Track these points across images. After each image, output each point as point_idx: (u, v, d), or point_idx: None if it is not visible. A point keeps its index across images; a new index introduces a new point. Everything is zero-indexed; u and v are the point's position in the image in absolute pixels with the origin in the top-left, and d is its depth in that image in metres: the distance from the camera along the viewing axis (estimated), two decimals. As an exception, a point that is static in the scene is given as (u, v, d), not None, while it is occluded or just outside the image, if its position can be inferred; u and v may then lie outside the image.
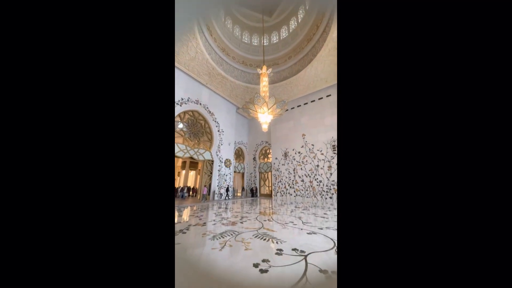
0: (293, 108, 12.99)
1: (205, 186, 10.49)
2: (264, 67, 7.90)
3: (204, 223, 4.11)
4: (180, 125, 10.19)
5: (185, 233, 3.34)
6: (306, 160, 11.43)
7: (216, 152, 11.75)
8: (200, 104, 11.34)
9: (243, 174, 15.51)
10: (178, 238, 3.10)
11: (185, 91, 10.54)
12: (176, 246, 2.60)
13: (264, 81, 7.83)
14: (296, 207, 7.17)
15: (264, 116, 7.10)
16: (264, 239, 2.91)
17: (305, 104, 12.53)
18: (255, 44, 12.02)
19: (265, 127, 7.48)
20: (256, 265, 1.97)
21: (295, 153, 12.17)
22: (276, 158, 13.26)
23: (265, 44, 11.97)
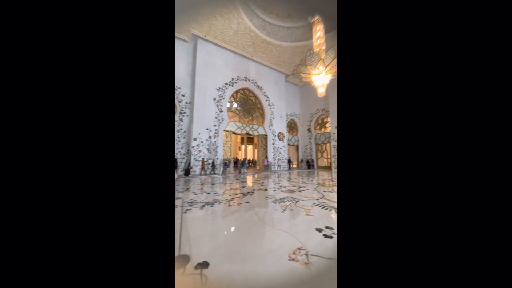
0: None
1: (265, 158, 11.47)
2: (317, 17, 6.14)
3: (266, 189, 4.68)
4: (235, 105, 11.08)
5: (251, 195, 3.91)
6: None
7: (269, 126, 12.04)
8: (249, 80, 11.42)
9: (297, 146, 15.18)
10: (247, 198, 3.70)
11: (234, 70, 10.88)
12: (246, 204, 3.20)
13: (318, 31, 6.23)
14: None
15: (320, 78, 5.97)
16: (326, 209, 2.84)
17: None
18: (303, -17, 9.39)
19: (321, 91, 6.37)
20: (319, 230, 2.00)
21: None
22: (336, 127, 11.52)
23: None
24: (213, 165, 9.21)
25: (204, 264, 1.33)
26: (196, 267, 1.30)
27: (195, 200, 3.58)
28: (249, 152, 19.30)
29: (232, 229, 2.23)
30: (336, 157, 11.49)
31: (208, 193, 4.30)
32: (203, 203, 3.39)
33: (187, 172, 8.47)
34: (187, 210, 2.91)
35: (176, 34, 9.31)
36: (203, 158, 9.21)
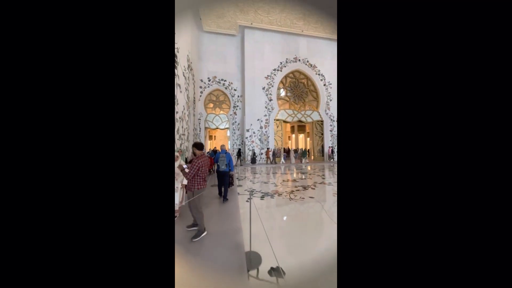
0: None
1: (330, 147, 10.27)
2: None
3: (330, 183, 4.07)
4: (282, 93, 10.38)
5: (313, 189, 3.53)
6: None
7: (325, 110, 10.40)
8: (299, 60, 10.19)
9: (363, 132, 12.29)
10: (310, 192, 3.31)
11: (282, 52, 10.03)
12: (311, 200, 2.85)
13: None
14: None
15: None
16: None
17: None
18: None
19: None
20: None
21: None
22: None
23: None
24: (274, 155, 9.39)
25: (278, 272, 1.14)
26: (270, 273, 1.13)
27: (254, 190, 3.66)
28: (300, 142, 18.10)
29: (300, 227, 1.97)
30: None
31: (266, 182, 4.32)
32: (262, 193, 3.39)
33: (253, 160, 9.25)
34: (248, 199, 2.98)
35: (224, 31, 9.75)
36: (268, 148, 9.58)
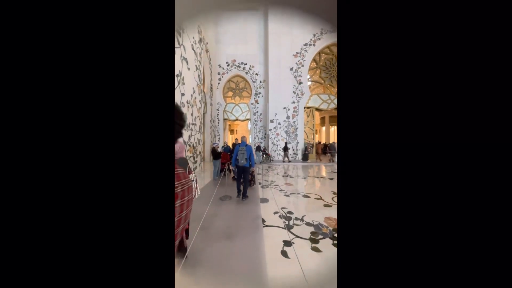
0: None
1: None
2: None
3: None
4: (308, 82, 8.35)
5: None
6: None
7: (373, 94, 7.95)
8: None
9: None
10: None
11: (316, 22, 7.95)
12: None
13: None
14: None
15: None
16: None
17: None
18: None
19: None
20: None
21: None
22: None
23: None
24: (306, 151, 7.75)
25: None
26: None
27: (291, 214, 2.26)
28: (332, 135, 15.48)
29: None
30: None
31: (307, 196, 2.83)
32: (309, 223, 1.95)
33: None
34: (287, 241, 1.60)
35: (246, 5, 8.29)
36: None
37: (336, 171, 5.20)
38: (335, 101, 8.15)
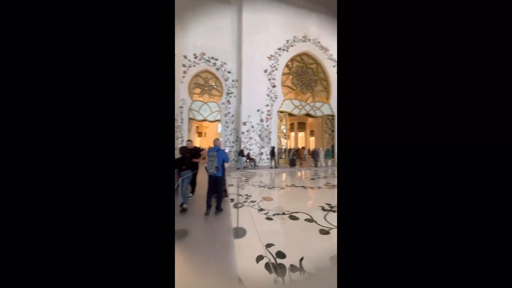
0: None
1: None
2: None
3: None
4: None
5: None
6: None
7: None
8: (309, 40, 8.30)
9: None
10: None
11: (290, 27, 8.06)
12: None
13: None
14: None
15: None
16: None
17: None
18: None
19: None
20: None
21: None
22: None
23: None
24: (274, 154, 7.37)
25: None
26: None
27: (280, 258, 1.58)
28: (300, 141, 16.34)
29: None
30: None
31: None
32: None
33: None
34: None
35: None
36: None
37: (312, 177, 5.07)
38: (306, 107, 8.41)
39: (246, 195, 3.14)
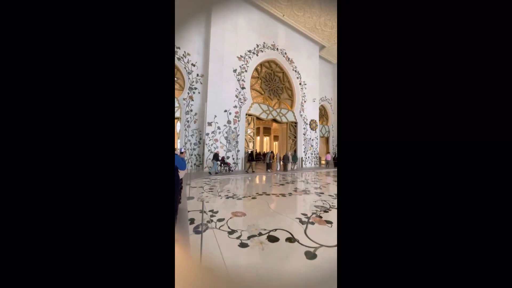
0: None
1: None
2: None
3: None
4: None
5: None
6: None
7: (300, 112, 9.43)
8: (277, 49, 8.71)
9: (327, 138, 12.56)
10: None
11: (260, 33, 8.17)
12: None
13: None
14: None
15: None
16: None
17: None
18: None
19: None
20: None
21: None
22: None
23: None
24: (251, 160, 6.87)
25: None
26: None
27: None
28: (265, 146, 16.80)
29: None
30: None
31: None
32: None
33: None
34: None
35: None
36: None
37: (281, 182, 5.01)
38: (273, 112, 8.64)
39: (212, 210, 2.56)
